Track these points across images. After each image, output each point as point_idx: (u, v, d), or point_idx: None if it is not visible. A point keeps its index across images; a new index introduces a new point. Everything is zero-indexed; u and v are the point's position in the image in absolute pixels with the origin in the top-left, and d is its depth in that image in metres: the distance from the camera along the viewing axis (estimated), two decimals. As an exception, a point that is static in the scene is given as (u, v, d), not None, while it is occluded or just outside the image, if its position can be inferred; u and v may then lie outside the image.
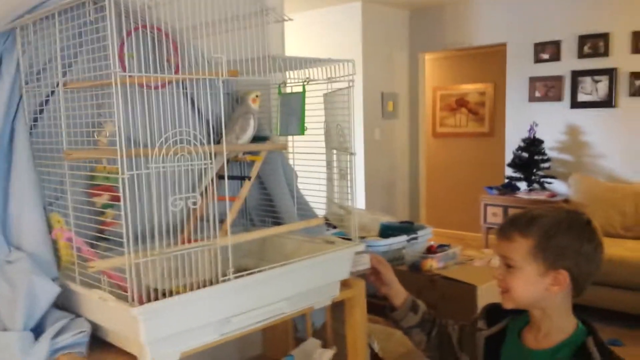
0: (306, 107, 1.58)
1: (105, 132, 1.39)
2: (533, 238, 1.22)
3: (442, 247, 3.20)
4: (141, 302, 1.06)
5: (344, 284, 1.51)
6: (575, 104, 5.01)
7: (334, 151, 1.60)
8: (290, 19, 1.45)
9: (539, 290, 1.24)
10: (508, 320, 1.37)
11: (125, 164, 1.06)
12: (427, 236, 3.44)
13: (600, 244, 1.24)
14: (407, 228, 3.49)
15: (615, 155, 4.86)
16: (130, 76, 1.13)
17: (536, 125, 5.09)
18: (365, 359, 1.62)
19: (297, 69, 1.55)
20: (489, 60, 6.36)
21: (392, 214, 5.79)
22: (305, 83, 1.55)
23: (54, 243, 1.27)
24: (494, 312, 1.39)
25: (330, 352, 1.61)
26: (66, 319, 1.17)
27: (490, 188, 5.25)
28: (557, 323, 1.26)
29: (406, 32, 6.03)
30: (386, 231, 3.42)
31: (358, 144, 5.59)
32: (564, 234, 1.22)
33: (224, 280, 1.17)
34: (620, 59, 4.75)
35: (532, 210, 1.29)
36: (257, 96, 1.60)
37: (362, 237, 3.22)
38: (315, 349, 1.62)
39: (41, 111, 1.38)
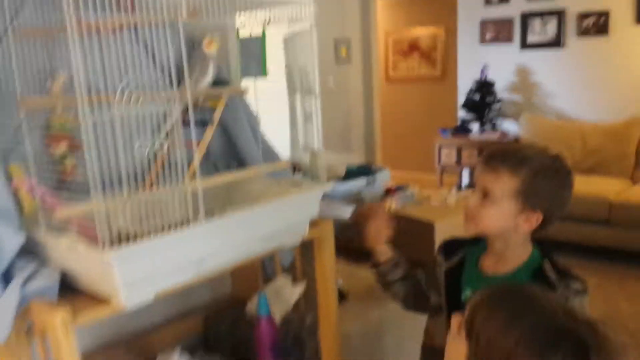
0: (266, 50, 1.57)
1: (59, 81, 1.35)
2: (521, 178, 1.24)
3: (400, 188, 3.27)
4: (111, 246, 1.06)
5: (313, 224, 1.54)
6: (525, 45, 5.10)
7: (297, 94, 1.60)
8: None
9: (509, 225, 1.27)
10: (464, 251, 1.41)
11: (86, 111, 1.03)
12: (385, 179, 3.50)
13: (572, 192, 1.29)
14: (365, 171, 3.54)
15: (563, 94, 4.99)
16: (82, 20, 1.09)
17: (487, 67, 5.17)
18: (334, 294, 1.68)
19: (255, 9, 1.53)
20: (440, 3, 6.35)
21: (348, 159, 5.85)
22: (265, 24, 1.53)
23: (16, 194, 1.25)
24: (451, 246, 1.44)
25: (300, 287, 1.66)
26: (34, 265, 1.17)
27: (444, 130, 5.35)
28: (516, 250, 1.31)
29: (357, -26, 5.94)
30: (344, 174, 3.48)
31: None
32: (550, 179, 1.25)
33: (194, 222, 1.17)
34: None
35: (520, 148, 1.31)
36: (211, 41, 1.56)
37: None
38: (286, 286, 1.67)
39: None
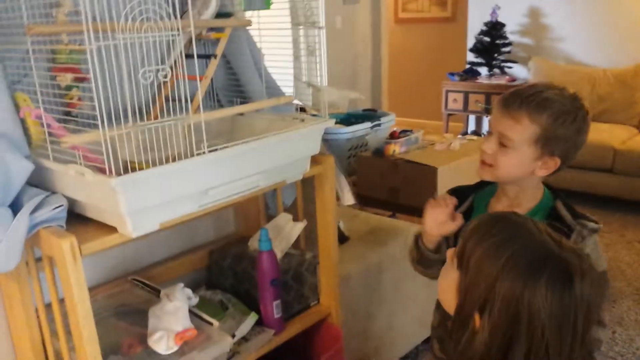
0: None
1: (63, 8, 1.33)
2: (541, 125, 1.19)
3: (404, 132, 3.27)
4: (117, 175, 1.07)
5: (314, 160, 1.56)
6: (537, -15, 4.96)
7: (301, 27, 1.58)
8: None
9: (526, 171, 1.24)
10: (472, 197, 1.39)
11: (93, 37, 1.03)
12: (390, 123, 3.50)
13: (587, 134, 1.25)
14: (370, 115, 3.53)
15: (573, 38, 4.90)
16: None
17: (498, 8, 5.05)
18: (334, 232, 1.70)
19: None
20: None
21: (354, 101, 5.81)
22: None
23: (23, 122, 1.26)
24: (458, 193, 1.38)
25: (301, 225, 1.69)
26: (43, 194, 1.19)
27: (452, 74, 5.28)
28: (529, 193, 1.29)
29: None
30: (350, 119, 3.47)
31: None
32: (569, 125, 1.20)
33: (198, 154, 1.19)
34: (585, -62, 4.67)
35: (539, 91, 1.22)
36: None
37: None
38: (287, 222, 1.69)
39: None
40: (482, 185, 1.39)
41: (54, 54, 1.37)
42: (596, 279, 0.90)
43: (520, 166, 1.23)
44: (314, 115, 1.59)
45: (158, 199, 1.17)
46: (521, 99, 1.21)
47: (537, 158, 1.22)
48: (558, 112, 1.19)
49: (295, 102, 1.72)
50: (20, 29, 1.23)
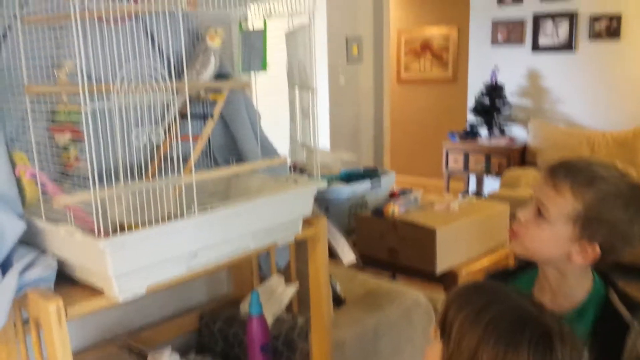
0: (268, 45, 1.57)
1: (65, 69, 1.37)
2: (584, 202, 1.06)
3: (404, 192, 3.27)
4: (107, 236, 1.07)
5: (307, 222, 1.55)
6: (536, 48, 5.07)
7: (296, 89, 1.61)
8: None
9: (559, 252, 1.11)
10: (512, 283, 1.25)
11: (88, 98, 1.05)
12: (390, 182, 3.51)
13: None
14: (370, 174, 3.55)
15: (573, 100, 4.97)
16: (88, 10, 1.10)
17: (498, 70, 5.15)
18: (328, 296, 1.68)
19: (258, 2, 1.54)
20: (453, 2, 6.33)
21: (356, 160, 5.84)
22: (266, 17, 1.54)
23: (18, 181, 1.27)
24: (497, 277, 1.28)
25: (293, 288, 1.66)
26: (33, 254, 1.18)
27: (453, 134, 5.34)
28: (575, 282, 1.14)
29: (371, -29, 5.94)
30: (350, 177, 3.48)
31: (323, 90, 5.56)
32: (618, 210, 1.06)
33: (188, 215, 1.19)
34: (581, 1, 4.79)
35: (593, 164, 1.10)
36: (215, 32, 1.55)
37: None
38: (279, 285, 1.67)
39: (-2, 47, 1.34)
40: (522, 269, 1.26)
41: (53, 113, 1.39)
42: (576, 343, 0.89)
43: (552, 244, 1.10)
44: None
45: (146, 261, 1.16)
46: (568, 169, 1.10)
47: (573, 240, 1.09)
48: (607, 192, 1.06)
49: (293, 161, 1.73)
50: (20, 89, 1.25)
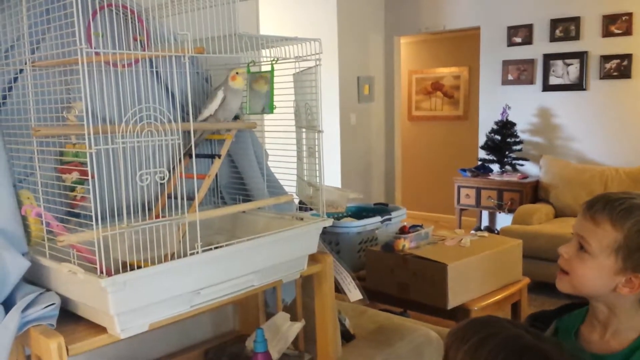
0: (276, 86, 1.60)
1: (74, 110, 1.40)
2: (624, 232, 1.05)
3: (414, 227, 3.26)
4: (109, 275, 1.08)
5: (313, 259, 1.55)
6: (547, 87, 5.09)
7: (303, 130, 1.63)
8: (255, -2, 1.46)
9: (606, 286, 1.08)
10: (557, 322, 1.22)
11: (93, 140, 1.07)
12: (401, 217, 3.50)
13: None
14: (381, 209, 3.55)
15: (585, 137, 4.95)
16: (96, 53, 1.14)
17: (509, 108, 5.16)
18: (335, 333, 1.66)
19: (265, 48, 1.57)
20: (464, 44, 6.41)
21: (368, 196, 5.85)
22: (273, 62, 1.57)
23: (24, 219, 1.28)
24: (538, 319, 1.24)
25: (298, 325, 1.65)
26: (36, 292, 1.19)
27: (464, 170, 5.33)
28: (627, 321, 1.10)
29: (381, 15, 6.04)
30: (361, 212, 3.48)
31: (334, 128, 5.61)
32: None
33: (192, 254, 1.19)
34: (591, 42, 4.82)
35: (631, 196, 1.09)
36: (237, 73, 1.56)
37: (334, 217, 3.26)
38: (285, 322, 1.66)
39: (10, 89, 1.38)
40: (568, 308, 1.24)
41: (61, 153, 1.42)
42: None
43: (598, 278, 1.08)
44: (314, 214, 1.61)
45: (148, 299, 1.16)
46: (606, 202, 1.09)
47: (618, 272, 1.07)
48: None
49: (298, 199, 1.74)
50: (28, 130, 1.28)
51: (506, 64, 5.29)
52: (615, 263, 1.06)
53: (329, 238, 3.15)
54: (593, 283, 1.09)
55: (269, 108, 1.59)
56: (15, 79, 1.37)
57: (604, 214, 1.07)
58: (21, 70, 1.37)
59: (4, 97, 1.38)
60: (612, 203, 1.08)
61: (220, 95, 1.55)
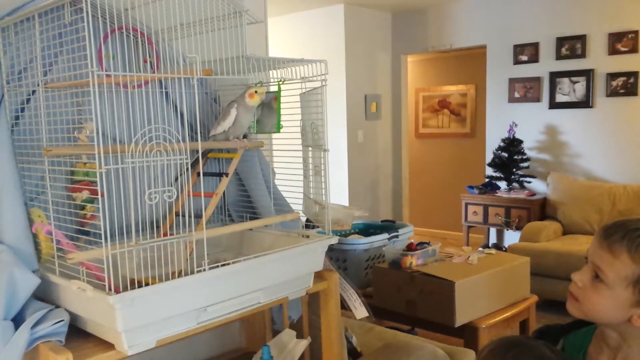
0: (283, 106, 1.63)
1: (85, 130, 1.43)
2: None
3: (422, 244, 3.26)
4: (118, 292, 1.10)
5: (319, 276, 1.56)
6: (553, 105, 5.10)
7: (310, 148, 1.65)
8: (261, 21, 1.50)
9: (620, 316, 1.05)
10: (564, 342, 1.20)
11: (103, 160, 1.10)
12: (408, 234, 3.51)
13: None
14: (388, 226, 3.55)
15: (592, 154, 4.95)
16: (107, 75, 1.17)
17: (515, 125, 5.18)
18: (341, 350, 1.67)
19: (272, 69, 1.60)
20: (470, 62, 6.44)
21: (375, 213, 5.85)
22: (280, 82, 1.60)
23: (35, 237, 1.31)
24: (545, 334, 1.22)
25: (304, 342, 1.66)
26: (45, 309, 1.21)
27: (471, 187, 5.33)
28: (636, 346, 1.07)
29: (388, 34, 6.10)
30: (368, 229, 3.49)
31: (342, 146, 5.64)
32: None
33: (199, 271, 1.21)
34: (597, 60, 4.84)
35: None
36: (255, 92, 1.57)
37: (342, 234, 3.27)
38: (291, 339, 1.67)
39: (22, 109, 1.41)
40: (576, 325, 1.21)
41: (72, 172, 1.44)
42: None
43: (612, 309, 1.05)
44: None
45: (156, 316, 1.18)
46: (625, 232, 1.04)
47: (634, 304, 1.03)
48: None
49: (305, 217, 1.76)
50: (40, 150, 1.31)
51: (512, 81, 5.32)
52: (632, 295, 1.03)
53: (336, 255, 3.15)
54: (607, 313, 1.06)
55: (276, 127, 1.61)
56: (28, 100, 1.41)
57: (622, 246, 1.03)
58: (34, 92, 1.40)
59: (17, 118, 1.41)
60: (631, 233, 1.04)
61: (233, 112, 1.58)
